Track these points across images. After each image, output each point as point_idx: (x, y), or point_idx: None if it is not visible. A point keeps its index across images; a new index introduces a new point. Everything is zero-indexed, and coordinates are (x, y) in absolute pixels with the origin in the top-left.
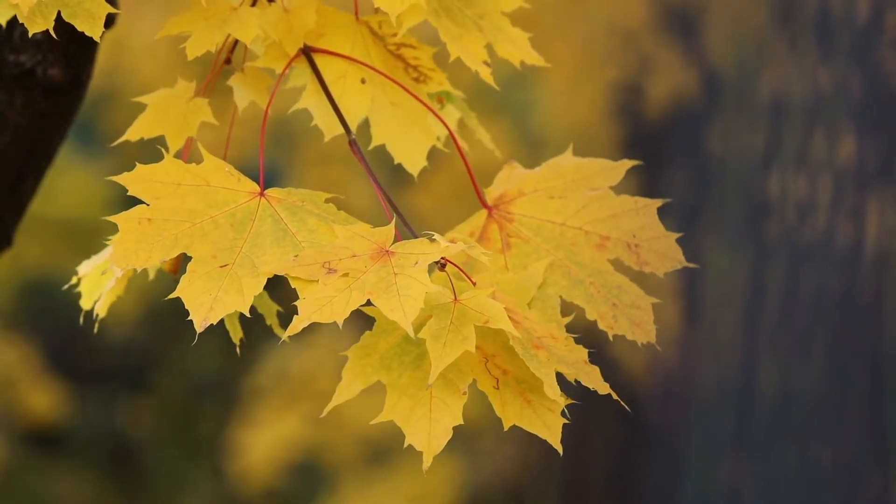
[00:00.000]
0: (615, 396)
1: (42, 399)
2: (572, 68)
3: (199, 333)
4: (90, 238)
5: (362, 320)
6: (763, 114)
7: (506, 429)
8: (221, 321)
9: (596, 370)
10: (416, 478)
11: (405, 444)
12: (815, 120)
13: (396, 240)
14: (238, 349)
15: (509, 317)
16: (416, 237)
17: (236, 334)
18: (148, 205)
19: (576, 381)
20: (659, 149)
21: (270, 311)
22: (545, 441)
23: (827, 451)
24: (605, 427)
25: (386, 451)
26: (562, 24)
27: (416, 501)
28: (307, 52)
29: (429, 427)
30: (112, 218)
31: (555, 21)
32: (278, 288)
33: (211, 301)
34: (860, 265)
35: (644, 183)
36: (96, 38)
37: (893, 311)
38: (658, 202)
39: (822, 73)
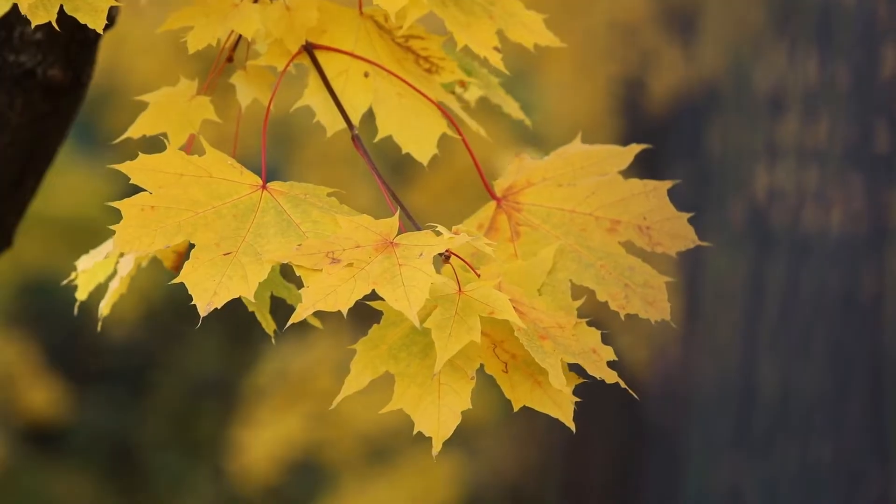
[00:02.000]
0: (623, 384)
1: (42, 399)
2: (573, 65)
3: (200, 334)
4: (90, 237)
5: (364, 321)
6: (762, 112)
7: (515, 409)
8: (222, 321)
9: (602, 359)
10: (415, 476)
11: (414, 431)
12: (815, 116)
13: (400, 232)
14: (273, 339)
15: (515, 307)
16: (419, 230)
17: (269, 326)
18: (151, 193)
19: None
20: (659, 147)
21: (294, 297)
22: (545, 440)
23: (827, 449)
24: (605, 427)
25: (386, 449)
26: (562, 21)
27: (416, 500)
28: (309, 49)
29: (437, 413)
30: (115, 203)
31: (555, 17)
32: (290, 281)
33: (215, 286)
34: (861, 263)
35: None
36: (99, 31)
37: (893, 310)
38: (668, 183)
39: (821, 70)
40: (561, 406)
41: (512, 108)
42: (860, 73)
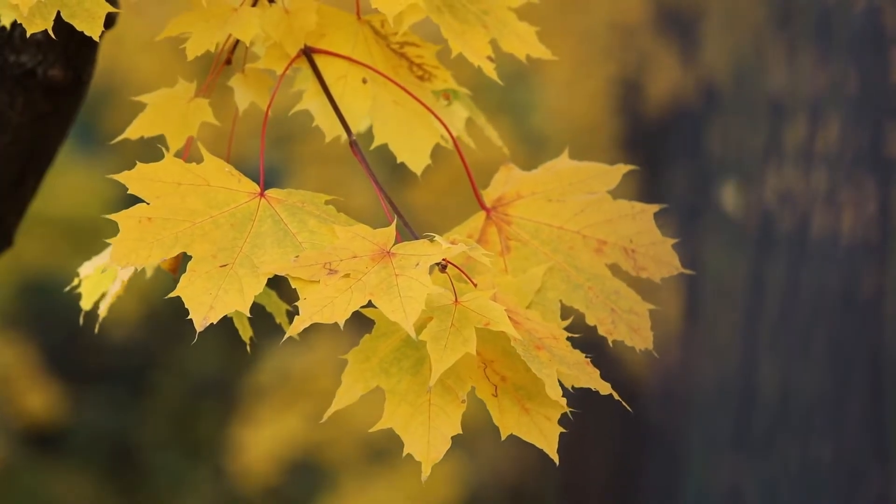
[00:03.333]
0: (616, 396)
1: (42, 399)
2: (571, 66)
3: (200, 332)
4: (90, 238)
5: (363, 321)
6: (762, 112)
7: (503, 438)
8: (222, 321)
9: (596, 370)
10: (415, 477)
11: (404, 453)
12: (815, 117)
13: (397, 241)
14: (248, 347)
15: (510, 318)
16: (416, 238)
17: (245, 332)
18: (148, 203)
19: (572, 387)
20: (659, 148)
21: (280, 309)
22: None
23: (827, 449)
24: (604, 427)
25: (386, 450)
26: (560, 22)
27: (416, 500)
28: (308, 53)
29: (427, 435)
30: (112, 216)
31: (553, 18)
32: (280, 287)
33: (211, 300)
34: (861, 262)
35: (644, 182)
36: (95, 38)
37: (894, 309)
38: (654, 207)
39: (821, 71)
40: (546, 436)
41: (492, 134)
42: (867, 76)
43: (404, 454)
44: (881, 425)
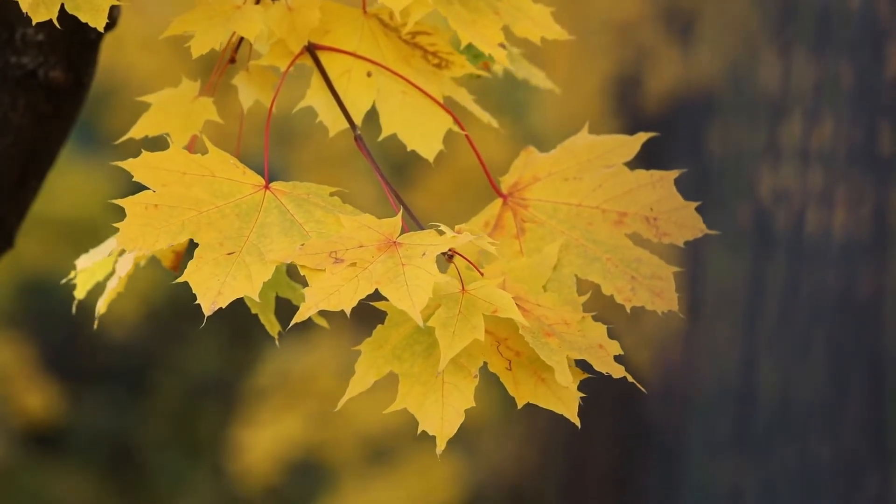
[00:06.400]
0: (630, 378)
1: (42, 399)
2: (570, 65)
3: (200, 332)
4: (90, 238)
5: (365, 322)
6: (762, 112)
7: (519, 406)
8: (222, 321)
9: (609, 354)
10: (416, 477)
11: (419, 431)
12: (811, 115)
13: (403, 232)
14: (277, 341)
15: (519, 305)
16: (422, 229)
17: (273, 328)
18: (154, 191)
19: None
20: (658, 148)
21: (299, 297)
22: (544, 440)
23: (826, 450)
24: (604, 427)
25: (386, 450)
26: (558, 21)
27: (416, 500)
28: (311, 50)
29: (441, 411)
30: (119, 201)
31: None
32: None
33: (219, 285)
34: (858, 261)
35: None
36: (100, 30)
37: (893, 309)
38: (675, 173)
39: (816, 68)
40: (565, 402)
41: (539, 78)
42: (863, 73)
43: (419, 431)
44: (880, 426)
